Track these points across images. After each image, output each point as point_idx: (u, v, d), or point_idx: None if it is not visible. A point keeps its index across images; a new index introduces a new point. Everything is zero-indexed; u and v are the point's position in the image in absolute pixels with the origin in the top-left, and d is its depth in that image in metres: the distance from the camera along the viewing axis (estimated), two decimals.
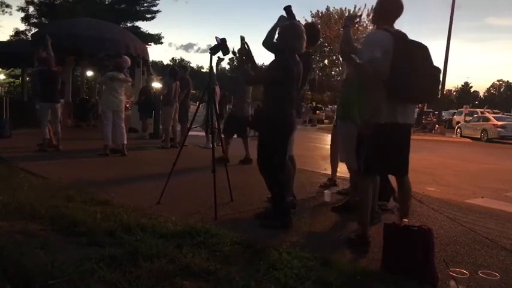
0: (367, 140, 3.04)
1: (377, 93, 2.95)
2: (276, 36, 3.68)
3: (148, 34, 25.85)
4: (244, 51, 3.80)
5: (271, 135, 3.51)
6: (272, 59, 3.62)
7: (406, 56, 2.87)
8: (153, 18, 26.34)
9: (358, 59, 3.38)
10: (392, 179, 3.40)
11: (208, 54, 4.00)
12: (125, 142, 7.16)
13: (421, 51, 2.99)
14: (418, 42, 3.03)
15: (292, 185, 4.15)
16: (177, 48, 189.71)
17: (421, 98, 3.40)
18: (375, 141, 3.00)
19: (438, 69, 3.06)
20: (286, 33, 3.52)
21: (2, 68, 26.02)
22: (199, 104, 4.48)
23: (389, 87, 2.89)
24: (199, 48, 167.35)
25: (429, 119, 25.22)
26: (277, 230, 3.37)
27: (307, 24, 4.08)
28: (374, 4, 3.20)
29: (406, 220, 2.75)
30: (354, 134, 3.96)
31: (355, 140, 3.89)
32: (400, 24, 3.15)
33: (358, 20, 4.56)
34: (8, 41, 22.72)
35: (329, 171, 6.76)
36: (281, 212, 3.49)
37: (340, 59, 32.01)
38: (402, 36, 3.00)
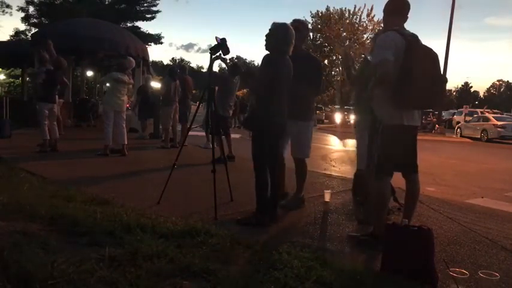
0: (378, 141, 3.03)
1: (385, 96, 2.95)
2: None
3: (148, 34, 25.81)
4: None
5: (258, 136, 3.52)
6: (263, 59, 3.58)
7: (415, 64, 2.85)
8: (153, 18, 26.32)
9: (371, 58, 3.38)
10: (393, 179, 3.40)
11: (208, 54, 4.01)
12: (125, 142, 7.16)
13: (432, 59, 2.99)
14: (429, 48, 3.01)
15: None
16: (177, 48, 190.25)
17: (425, 107, 3.42)
18: (385, 141, 3.00)
19: (445, 79, 3.05)
20: (275, 35, 3.48)
21: (2, 68, 26.02)
22: (199, 104, 4.48)
23: (395, 93, 2.88)
24: (199, 48, 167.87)
25: (429, 119, 25.25)
26: (278, 230, 3.37)
27: (294, 20, 4.04)
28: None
29: (406, 220, 2.75)
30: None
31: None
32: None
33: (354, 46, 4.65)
34: (8, 41, 22.72)
35: (329, 171, 6.76)
36: (261, 210, 3.51)
37: (340, 58, 31.98)
38: (415, 41, 2.98)
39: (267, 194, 3.53)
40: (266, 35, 3.54)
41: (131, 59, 7.72)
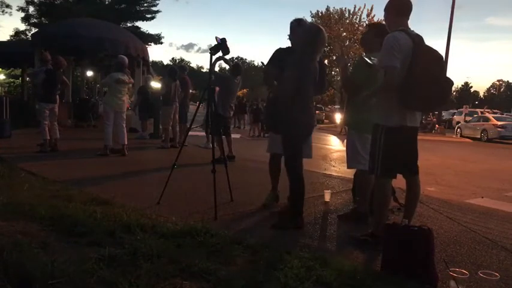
0: (380, 143, 3.02)
1: (389, 98, 2.94)
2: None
3: (148, 34, 25.80)
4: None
5: (292, 137, 3.51)
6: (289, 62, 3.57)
7: (423, 65, 2.84)
8: (153, 18, 26.29)
9: (373, 60, 3.35)
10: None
11: (208, 54, 4.01)
12: (125, 142, 7.16)
13: (438, 61, 2.98)
14: (434, 49, 2.99)
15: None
16: (177, 48, 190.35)
17: (431, 109, 3.43)
18: (388, 142, 2.98)
19: (451, 81, 3.04)
20: (304, 39, 3.48)
21: (2, 68, 26.02)
22: (199, 104, 4.48)
23: (401, 95, 2.87)
24: (199, 48, 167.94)
25: (429, 119, 25.24)
26: (277, 231, 3.37)
27: (295, 20, 4.07)
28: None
29: (406, 220, 2.75)
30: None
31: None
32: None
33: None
34: (8, 41, 22.72)
35: (329, 171, 6.75)
36: (295, 213, 3.50)
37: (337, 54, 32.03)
38: (420, 42, 2.97)
39: (303, 195, 3.54)
40: (294, 35, 3.55)
41: (123, 56, 7.69)
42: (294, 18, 4.00)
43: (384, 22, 3.33)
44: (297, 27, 3.86)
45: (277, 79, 3.81)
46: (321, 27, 3.63)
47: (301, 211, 3.54)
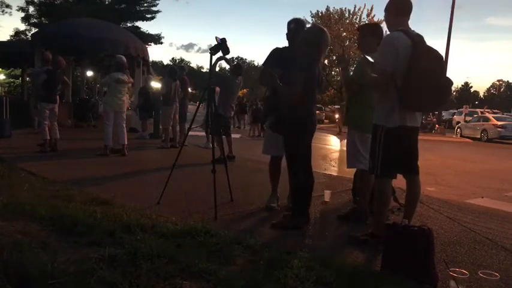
0: (380, 142, 3.02)
1: (389, 98, 2.95)
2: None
3: (148, 34, 25.80)
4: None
5: (293, 138, 3.50)
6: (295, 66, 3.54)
7: (422, 65, 2.84)
8: (153, 18, 26.30)
9: (373, 59, 3.35)
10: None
11: (208, 54, 4.00)
12: (125, 142, 7.16)
13: (437, 61, 2.97)
14: (434, 49, 2.98)
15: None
16: (177, 48, 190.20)
17: (431, 109, 3.44)
18: (388, 142, 2.98)
19: (451, 81, 3.03)
20: (309, 41, 3.47)
21: (2, 68, 26.04)
22: (199, 104, 4.48)
23: (401, 95, 2.87)
24: (199, 48, 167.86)
25: (429, 119, 25.23)
26: (277, 231, 3.37)
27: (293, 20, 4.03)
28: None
29: (406, 220, 2.75)
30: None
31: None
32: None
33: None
34: (8, 41, 22.72)
35: (329, 171, 6.73)
36: (300, 211, 3.50)
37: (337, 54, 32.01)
38: (421, 41, 2.96)
39: (305, 195, 3.53)
40: (299, 37, 3.56)
41: (121, 56, 7.70)
42: (292, 17, 3.99)
43: (377, 22, 3.34)
44: (296, 27, 3.85)
45: (278, 79, 3.79)
46: (324, 29, 3.63)
47: (307, 209, 3.53)
